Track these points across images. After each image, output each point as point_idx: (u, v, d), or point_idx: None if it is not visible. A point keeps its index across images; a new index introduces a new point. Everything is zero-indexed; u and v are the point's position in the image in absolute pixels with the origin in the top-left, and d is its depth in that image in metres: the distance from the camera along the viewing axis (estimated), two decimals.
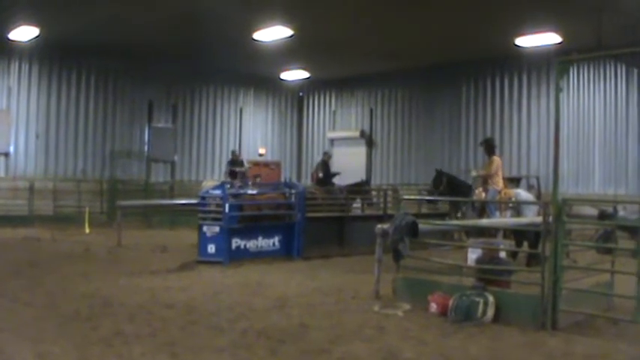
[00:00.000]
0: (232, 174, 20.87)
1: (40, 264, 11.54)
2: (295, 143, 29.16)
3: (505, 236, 11.55)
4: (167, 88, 24.62)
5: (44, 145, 21.70)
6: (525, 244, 11.63)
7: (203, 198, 12.77)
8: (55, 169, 21.87)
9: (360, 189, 19.00)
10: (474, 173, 14.00)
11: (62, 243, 15.18)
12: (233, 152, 23.44)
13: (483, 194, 12.76)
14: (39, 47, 20.66)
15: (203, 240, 12.14)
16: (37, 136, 21.52)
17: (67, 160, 22.19)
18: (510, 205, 12.32)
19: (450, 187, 13.83)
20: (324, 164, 20.29)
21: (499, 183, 12.73)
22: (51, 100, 21.87)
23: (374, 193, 19.42)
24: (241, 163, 22.36)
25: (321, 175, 19.99)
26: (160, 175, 24.44)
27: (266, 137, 28.17)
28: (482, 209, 12.54)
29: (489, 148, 13.24)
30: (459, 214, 13.19)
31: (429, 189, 14.95)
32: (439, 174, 14.47)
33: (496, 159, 12.95)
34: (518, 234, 11.58)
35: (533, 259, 10.76)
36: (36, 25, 18.44)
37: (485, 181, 12.89)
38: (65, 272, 10.63)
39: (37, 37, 19.29)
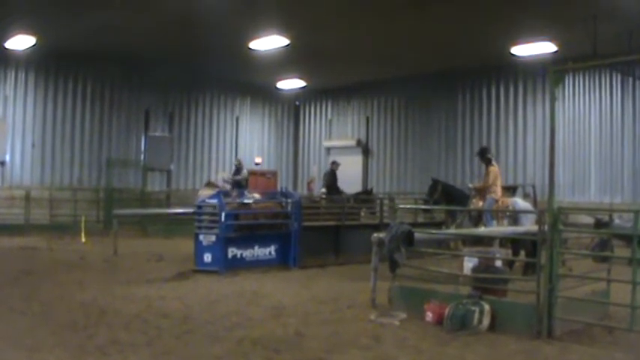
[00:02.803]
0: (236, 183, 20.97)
1: (36, 273, 11.50)
2: (291, 152, 29.19)
3: (502, 245, 11.55)
4: (164, 97, 24.65)
5: (40, 153, 21.67)
6: (522, 252, 11.63)
7: (199, 207, 12.76)
8: (51, 178, 21.84)
9: (367, 197, 18.99)
10: (470, 185, 14.01)
11: (58, 252, 15.12)
12: (237, 161, 23.58)
13: (480, 203, 12.77)
14: (35, 56, 20.69)
15: (199, 249, 12.11)
16: (33, 145, 21.48)
17: (63, 168, 22.16)
18: (507, 214, 12.32)
19: (446, 195, 13.80)
20: (332, 174, 20.21)
21: (497, 192, 12.74)
22: (47, 108, 21.86)
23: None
24: (238, 171, 22.39)
25: (323, 190, 19.96)
26: (156, 183, 24.41)
27: (262, 146, 28.19)
28: (479, 218, 12.54)
29: (485, 158, 13.24)
30: (458, 221, 13.16)
31: (425, 198, 14.92)
32: (435, 182, 14.46)
33: (493, 169, 12.92)
34: (514, 243, 11.58)
35: (529, 268, 10.77)
36: (32, 34, 18.48)
37: (484, 191, 12.87)
38: (61, 281, 10.61)
39: (33, 45, 19.32)
